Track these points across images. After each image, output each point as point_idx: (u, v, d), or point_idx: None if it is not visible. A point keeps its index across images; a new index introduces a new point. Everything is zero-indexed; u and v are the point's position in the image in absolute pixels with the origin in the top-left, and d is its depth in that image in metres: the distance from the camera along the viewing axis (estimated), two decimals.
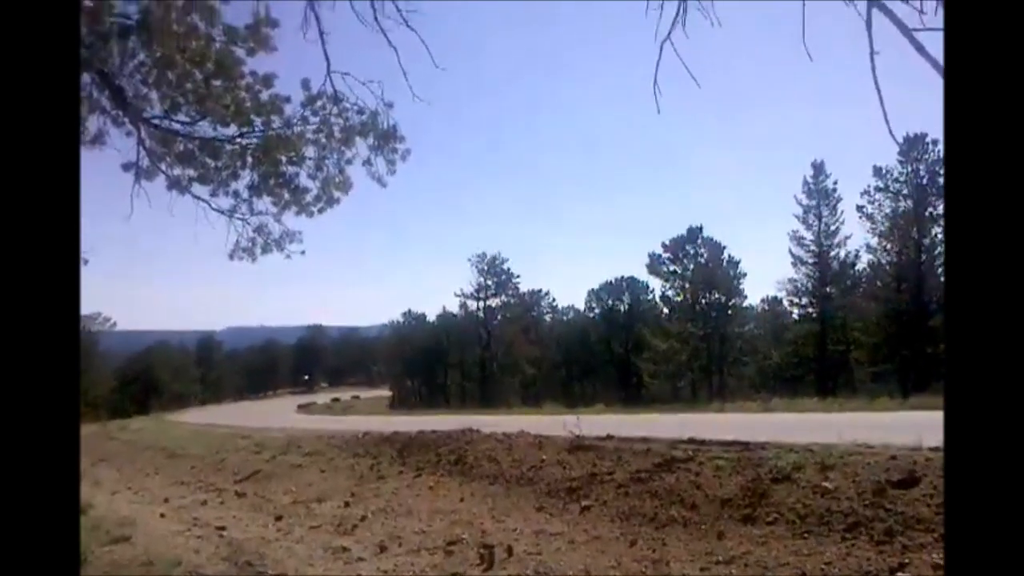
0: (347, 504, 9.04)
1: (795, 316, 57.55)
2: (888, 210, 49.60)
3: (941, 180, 47.81)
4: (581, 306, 78.14)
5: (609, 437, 9.67)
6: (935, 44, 3.08)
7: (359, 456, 11.97)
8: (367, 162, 7.79)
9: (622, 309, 72.03)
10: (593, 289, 74.92)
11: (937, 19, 3.32)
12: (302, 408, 61.43)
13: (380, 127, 7.67)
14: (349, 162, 7.92)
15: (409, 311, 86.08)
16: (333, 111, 7.59)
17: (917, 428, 6.95)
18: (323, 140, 7.80)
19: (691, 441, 8.64)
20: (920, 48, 3.12)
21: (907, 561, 4.66)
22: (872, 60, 3.25)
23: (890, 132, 3.55)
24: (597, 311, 74.60)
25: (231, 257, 8.26)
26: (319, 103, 7.55)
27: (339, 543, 7.17)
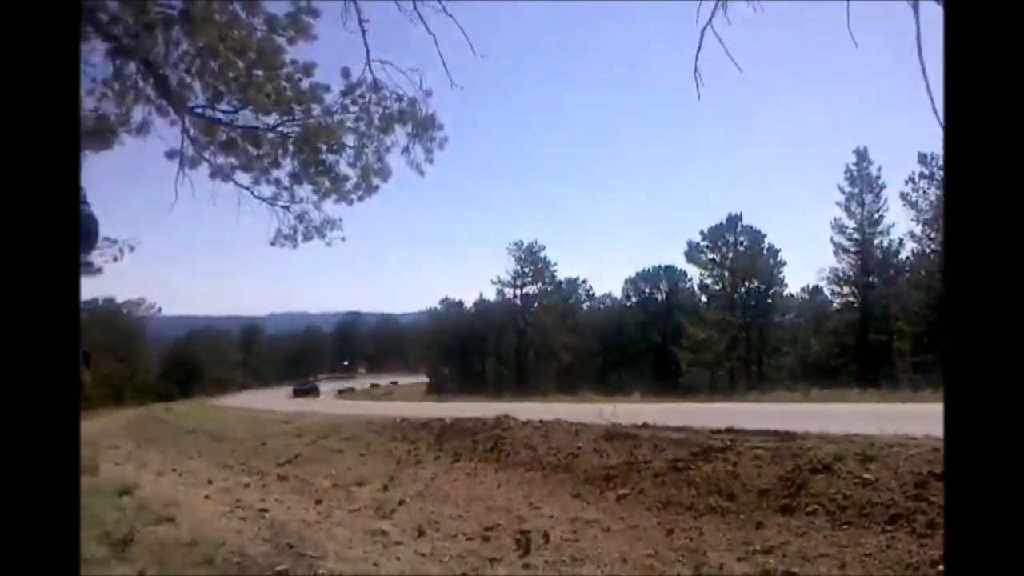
0: (385, 488, 9.16)
1: (836, 305, 56.48)
2: (933, 198, 48.35)
3: None
4: (618, 294, 77.73)
5: (645, 425, 9.63)
6: None
7: (397, 441, 12.12)
8: (405, 150, 7.85)
9: (659, 298, 71.53)
10: (630, 277, 74.51)
11: None
12: (341, 394, 62.25)
13: (419, 115, 7.72)
14: (388, 150, 7.98)
15: (446, 298, 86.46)
16: (372, 99, 7.65)
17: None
18: (362, 128, 7.87)
19: (729, 431, 8.56)
20: None
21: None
22: (919, 43, 3.18)
23: (937, 117, 3.46)
24: (634, 299, 74.19)
25: (273, 244, 8.40)
26: (358, 91, 7.61)
27: (378, 526, 7.28)
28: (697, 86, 4.02)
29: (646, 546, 5.80)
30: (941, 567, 4.38)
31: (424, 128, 7.78)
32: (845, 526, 5.39)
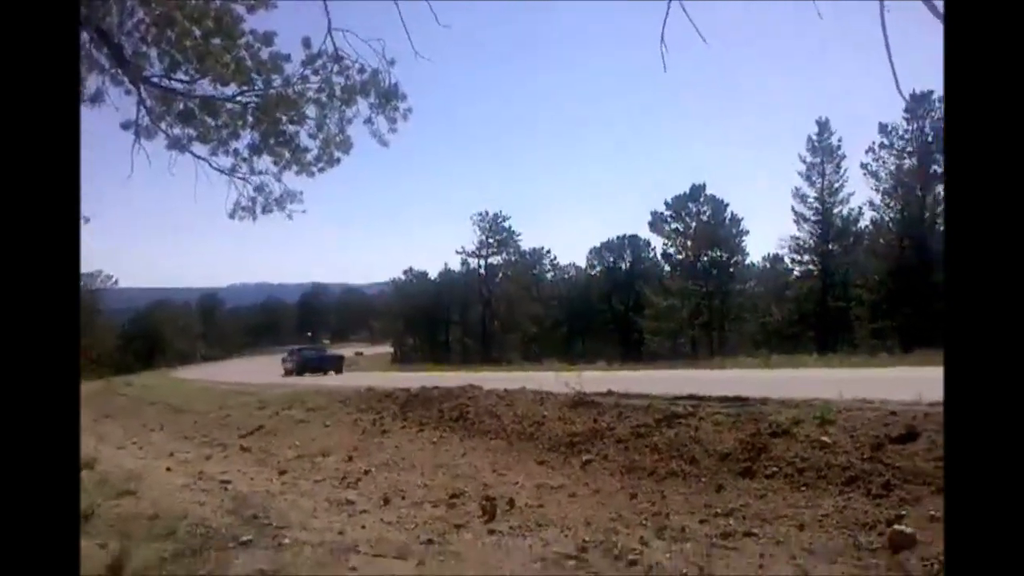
0: (350, 459, 9.14)
1: (796, 273, 57.49)
2: (892, 167, 49.43)
3: None
4: (583, 264, 78.14)
5: (610, 393, 9.72)
6: None
7: (362, 412, 12.07)
8: (368, 121, 7.73)
9: (623, 267, 72.10)
10: (595, 247, 74.95)
11: None
12: None
13: (382, 86, 7.59)
14: (350, 121, 7.85)
15: (411, 269, 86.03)
16: (334, 69, 7.49)
17: (917, 384, 6.98)
18: (324, 99, 7.72)
19: (691, 397, 8.69)
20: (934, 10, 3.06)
21: (904, 513, 4.73)
22: (883, 17, 3.19)
23: (898, 89, 3.50)
24: (599, 269, 74.68)
25: (231, 216, 8.25)
26: (320, 61, 7.44)
27: (343, 496, 7.28)
28: (663, 57, 3.98)
29: (610, 510, 5.88)
30: (895, 526, 4.51)
31: (387, 99, 7.65)
32: (803, 488, 5.52)
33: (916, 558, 4.19)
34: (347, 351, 68.94)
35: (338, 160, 8.11)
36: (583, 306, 74.10)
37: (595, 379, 11.62)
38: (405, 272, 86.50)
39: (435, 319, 79.40)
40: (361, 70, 7.50)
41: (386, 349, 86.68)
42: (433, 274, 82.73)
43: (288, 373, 36.24)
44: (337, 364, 37.33)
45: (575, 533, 5.43)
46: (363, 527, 6.14)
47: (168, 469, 9.84)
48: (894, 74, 3.40)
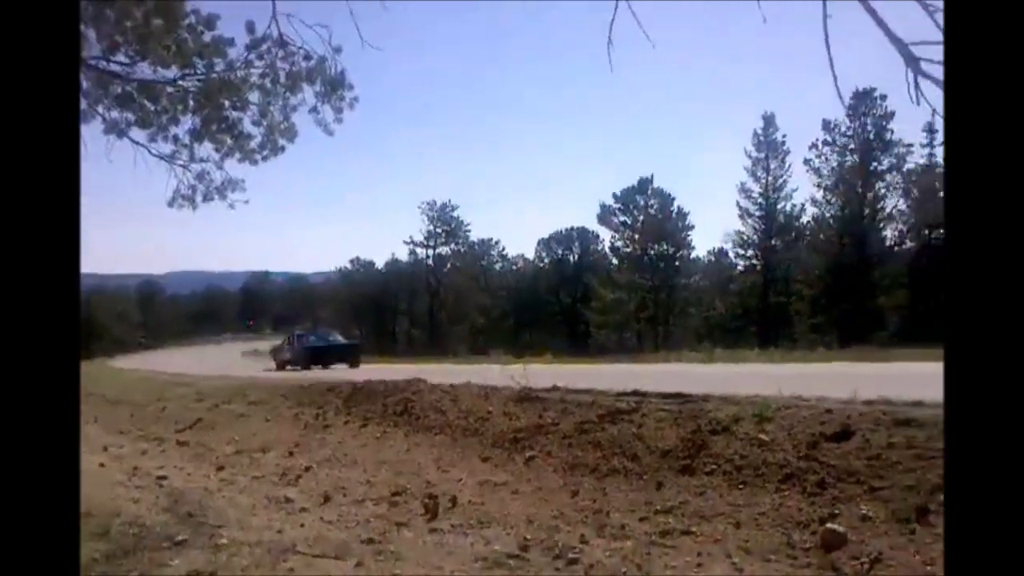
0: (291, 454, 9.01)
1: (740, 268, 58.72)
2: (835, 164, 50.72)
3: (887, 135, 48.87)
4: (531, 255, 78.38)
5: (555, 388, 9.76)
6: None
7: (304, 405, 11.91)
8: (313, 109, 7.59)
9: (571, 259, 72.59)
10: (543, 239, 75.25)
11: None
12: (247, 355, 60.42)
13: (328, 73, 7.46)
14: (295, 109, 7.72)
15: (357, 258, 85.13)
16: (279, 55, 7.34)
17: (853, 380, 7.18)
18: (268, 85, 7.57)
19: (635, 393, 8.77)
20: (871, 11, 3.12)
21: (837, 512, 4.84)
22: (825, 24, 3.24)
23: (839, 94, 3.57)
24: (547, 260, 75.01)
25: (171, 205, 8.04)
26: (264, 46, 7.28)
27: (282, 493, 7.15)
28: (610, 58, 3.99)
29: (552, 507, 5.90)
30: (828, 525, 4.61)
31: (333, 87, 7.54)
32: (741, 486, 5.62)
33: (847, 557, 4.29)
34: None
35: (282, 148, 7.98)
36: (531, 298, 74.41)
37: (541, 373, 11.65)
38: (352, 261, 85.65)
39: (382, 309, 78.73)
40: (307, 57, 7.38)
41: None
42: (380, 264, 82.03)
43: (281, 366, 29.49)
44: (352, 354, 29.15)
45: (517, 531, 5.42)
46: (302, 525, 6.03)
47: (101, 464, 9.53)
48: (834, 77, 3.46)
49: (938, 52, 3.86)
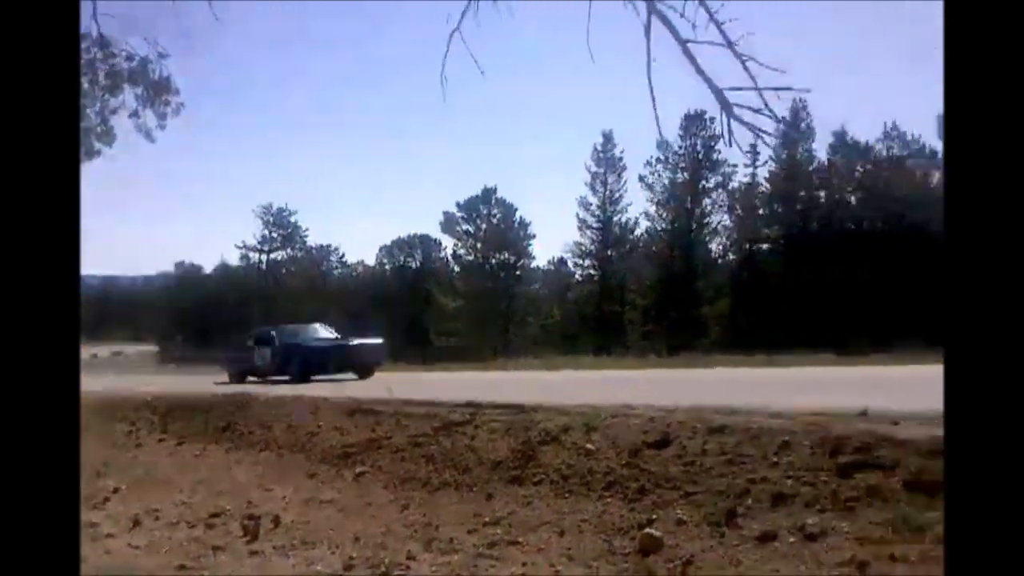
0: (98, 475, 8.27)
1: (578, 277, 60.90)
2: (666, 181, 53.99)
3: (714, 155, 52.54)
4: (372, 262, 77.01)
5: (389, 400, 9.59)
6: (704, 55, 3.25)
7: (115, 421, 11.01)
8: (134, 114, 7.13)
9: (414, 266, 71.98)
10: (385, 245, 74.07)
11: (709, 33, 3.54)
12: None
13: (151, 76, 7.02)
14: (115, 112, 7.21)
15: (183, 262, 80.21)
16: (98, 55, 6.82)
17: (677, 387, 7.51)
18: (85, 86, 7.00)
19: (469, 404, 8.78)
20: (692, 59, 3.29)
21: (655, 517, 5.02)
22: (648, 64, 3.38)
23: (659, 130, 3.76)
24: (389, 267, 74.04)
25: None
26: (83, 45, 6.72)
27: (87, 518, 6.52)
28: (443, 88, 3.99)
29: (380, 524, 5.76)
30: (646, 530, 4.78)
31: (157, 92, 7.08)
32: (567, 495, 5.73)
33: (663, 560, 4.47)
34: (103, 350, 61.89)
35: (99, 152, 7.42)
36: (371, 305, 73.11)
37: (378, 381, 11.44)
38: (177, 265, 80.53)
39: (210, 316, 74.40)
40: (129, 57, 6.89)
41: (151, 348, 79.71)
42: (209, 268, 77.75)
43: (239, 377, 19.85)
44: (373, 358, 19.25)
45: (342, 550, 5.24)
46: (107, 552, 5.56)
47: None
48: (656, 117, 3.63)
49: (749, 97, 4.19)
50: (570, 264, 62.09)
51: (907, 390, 7.50)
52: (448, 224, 63.60)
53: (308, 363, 18.29)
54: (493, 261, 62.05)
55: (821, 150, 51.77)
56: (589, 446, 6.40)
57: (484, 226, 62.60)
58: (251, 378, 19.57)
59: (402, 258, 72.70)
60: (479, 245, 62.44)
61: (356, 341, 19.81)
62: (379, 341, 20.32)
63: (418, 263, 71.67)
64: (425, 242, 71.69)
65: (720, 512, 4.86)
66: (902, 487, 4.49)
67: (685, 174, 53.66)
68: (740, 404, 6.99)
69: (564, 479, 5.98)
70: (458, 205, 62.88)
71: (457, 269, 64.72)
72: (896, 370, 14.71)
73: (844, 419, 5.91)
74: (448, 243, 66.68)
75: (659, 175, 54.42)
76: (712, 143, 52.11)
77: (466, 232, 63.19)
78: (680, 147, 53.56)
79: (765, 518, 4.62)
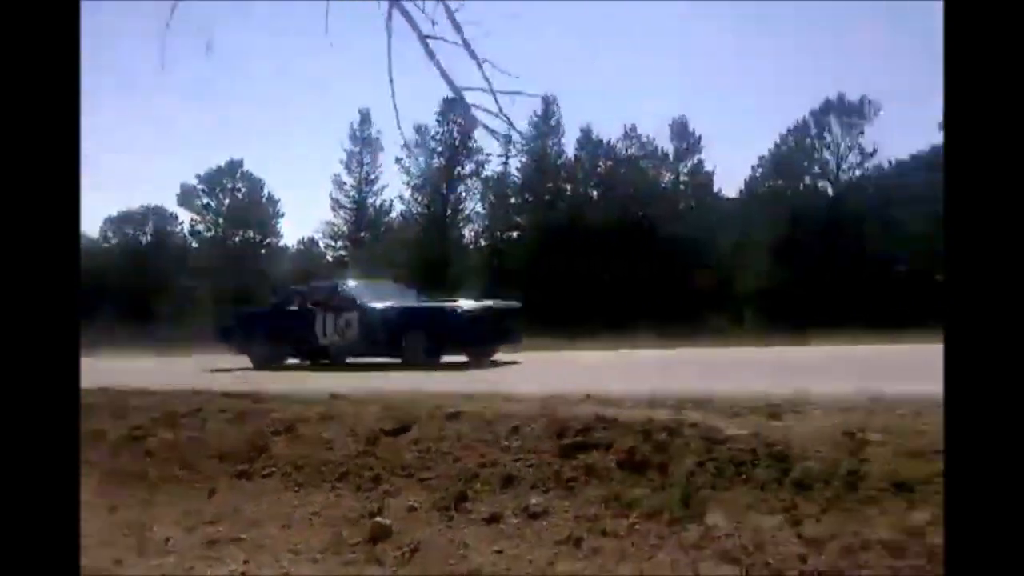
0: None
1: (330, 258, 59.49)
2: (423, 165, 54.24)
3: (470, 143, 53.74)
4: (96, 235, 69.09)
5: (104, 390, 8.72)
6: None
7: None
8: None
9: (144, 241, 65.76)
10: (111, 217, 66.84)
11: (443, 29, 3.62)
12: None
13: None
14: None
15: None
16: None
17: (427, 373, 7.58)
18: None
19: (198, 393, 8.26)
20: (431, 55, 3.36)
21: (385, 505, 5.08)
22: (389, 56, 3.40)
23: (398, 125, 3.79)
24: (115, 242, 66.90)
25: None
26: None
27: None
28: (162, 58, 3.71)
29: (85, 528, 5.23)
30: (376, 519, 4.81)
31: None
32: (297, 487, 5.59)
33: (392, 547, 4.54)
34: None
35: None
36: (94, 284, 65.72)
37: (99, 370, 10.32)
38: None
39: None
40: None
41: None
42: None
43: (261, 359, 14.82)
44: (510, 330, 13.42)
45: None
46: None
47: None
48: (396, 111, 3.65)
49: (484, 97, 4.36)
50: (321, 245, 60.49)
51: (631, 373, 8.22)
52: (186, 197, 58.98)
53: (439, 338, 12.47)
54: (236, 238, 58.60)
55: (570, 146, 54.89)
56: (325, 435, 6.27)
57: (227, 201, 58.90)
58: (291, 359, 14.76)
59: (131, 232, 66.07)
60: (221, 221, 58.64)
61: (472, 305, 13.07)
62: (514, 304, 14.28)
63: (150, 238, 65.53)
64: (160, 215, 65.81)
65: (450, 496, 5.00)
66: (616, 466, 4.92)
67: (442, 159, 54.33)
68: (426, 389, 7.18)
69: (297, 470, 5.79)
70: (198, 177, 58.57)
71: (195, 245, 60.22)
72: (622, 354, 16.16)
73: (570, 402, 6.35)
74: (186, 217, 61.80)
75: (416, 159, 54.64)
76: (468, 131, 53.38)
77: (206, 206, 59.06)
78: (437, 132, 54.07)
79: (493, 500, 4.84)
